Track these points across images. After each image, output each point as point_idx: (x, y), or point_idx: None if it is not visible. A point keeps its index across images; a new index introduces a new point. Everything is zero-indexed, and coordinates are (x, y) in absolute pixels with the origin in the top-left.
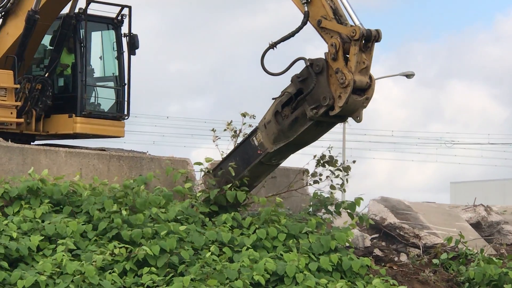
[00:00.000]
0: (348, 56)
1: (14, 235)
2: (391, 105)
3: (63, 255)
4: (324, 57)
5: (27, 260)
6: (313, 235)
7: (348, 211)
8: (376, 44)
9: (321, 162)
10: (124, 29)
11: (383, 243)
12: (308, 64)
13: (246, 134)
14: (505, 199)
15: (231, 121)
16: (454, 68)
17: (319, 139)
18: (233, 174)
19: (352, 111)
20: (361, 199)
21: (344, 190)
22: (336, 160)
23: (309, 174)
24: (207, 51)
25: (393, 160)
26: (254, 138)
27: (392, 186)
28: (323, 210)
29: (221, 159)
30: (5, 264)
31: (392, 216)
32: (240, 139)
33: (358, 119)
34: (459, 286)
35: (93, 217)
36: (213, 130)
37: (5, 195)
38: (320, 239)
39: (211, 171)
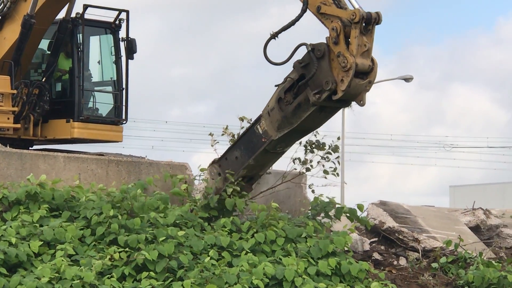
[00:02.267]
0: (349, 40)
1: (13, 240)
2: (393, 109)
3: (62, 260)
4: (325, 42)
5: (26, 266)
6: (312, 239)
7: (348, 214)
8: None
9: (309, 148)
10: (122, 34)
11: (382, 247)
12: (310, 49)
13: None
14: (505, 202)
15: (227, 126)
16: (456, 71)
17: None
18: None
19: (355, 95)
20: (362, 206)
21: (338, 174)
22: (324, 144)
23: (300, 162)
24: (209, 55)
25: (392, 164)
26: (258, 126)
27: (392, 190)
28: (322, 214)
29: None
30: (3, 270)
31: (391, 220)
32: None
33: (361, 103)
34: None
35: (91, 221)
36: (210, 134)
37: (4, 200)
38: (319, 243)
39: (216, 161)
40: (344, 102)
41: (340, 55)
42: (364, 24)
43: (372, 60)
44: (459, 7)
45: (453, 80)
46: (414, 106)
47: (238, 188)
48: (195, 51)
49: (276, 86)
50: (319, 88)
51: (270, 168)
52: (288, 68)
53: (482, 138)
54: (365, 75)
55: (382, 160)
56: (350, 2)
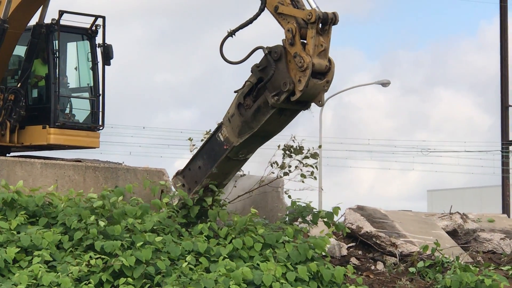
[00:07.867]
0: (305, 41)
1: None
2: (376, 113)
3: (40, 267)
4: (282, 44)
5: (3, 272)
6: (290, 244)
7: (325, 220)
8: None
9: (287, 153)
10: (99, 40)
11: (360, 252)
12: (267, 52)
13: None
14: (482, 206)
15: (209, 131)
16: (439, 76)
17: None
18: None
19: (313, 96)
20: (339, 208)
21: (315, 178)
22: (302, 147)
23: (278, 166)
24: (192, 62)
25: (372, 169)
26: (219, 134)
27: (372, 195)
28: (300, 219)
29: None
30: None
31: (369, 225)
32: None
33: (320, 103)
34: None
35: (69, 228)
36: (190, 139)
37: None
38: (298, 248)
39: (180, 172)
40: (303, 104)
41: (297, 56)
42: (320, 25)
43: (329, 60)
44: (442, 11)
45: (436, 85)
46: (397, 110)
47: (219, 198)
48: (178, 57)
49: (235, 92)
50: (277, 90)
51: (248, 172)
52: (245, 68)
53: (460, 143)
54: (323, 75)
55: (362, 165)
56: (308, 2)
